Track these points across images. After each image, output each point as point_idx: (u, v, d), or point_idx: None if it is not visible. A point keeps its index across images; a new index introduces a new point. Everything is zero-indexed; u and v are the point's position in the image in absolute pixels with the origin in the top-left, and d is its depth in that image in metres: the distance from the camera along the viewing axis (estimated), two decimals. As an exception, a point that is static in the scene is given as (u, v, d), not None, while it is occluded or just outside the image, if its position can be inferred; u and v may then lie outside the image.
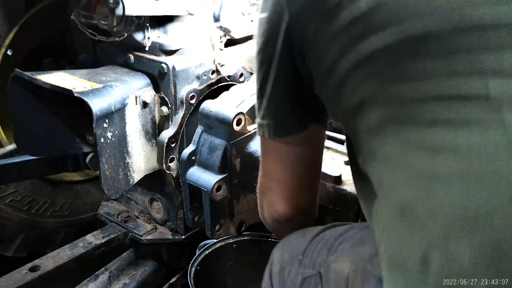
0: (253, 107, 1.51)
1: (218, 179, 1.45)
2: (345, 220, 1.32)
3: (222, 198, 1.49)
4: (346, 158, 1.44)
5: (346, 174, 1.37)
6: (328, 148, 1.52)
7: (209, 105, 1.50)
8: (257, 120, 0.99)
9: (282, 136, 0.97)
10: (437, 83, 0.69)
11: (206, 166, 1.49)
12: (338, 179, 1.35)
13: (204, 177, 1.47)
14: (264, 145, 1.03)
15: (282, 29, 0.85)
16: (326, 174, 1.36)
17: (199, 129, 1.52)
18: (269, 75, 0.90)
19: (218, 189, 1.46)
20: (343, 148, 1.50)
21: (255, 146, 1.53)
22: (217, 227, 1.54)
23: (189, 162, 1.51)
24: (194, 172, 1.50)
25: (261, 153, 1.06)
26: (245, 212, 1.60)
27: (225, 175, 1.47)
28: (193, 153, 1.51)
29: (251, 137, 1.52)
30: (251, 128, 1.52)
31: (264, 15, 0.88)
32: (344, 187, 1.35)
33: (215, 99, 1.53)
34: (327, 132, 1.78)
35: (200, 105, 1.54)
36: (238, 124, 1.46)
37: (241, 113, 1.46)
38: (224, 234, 1.59)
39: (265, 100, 0.93)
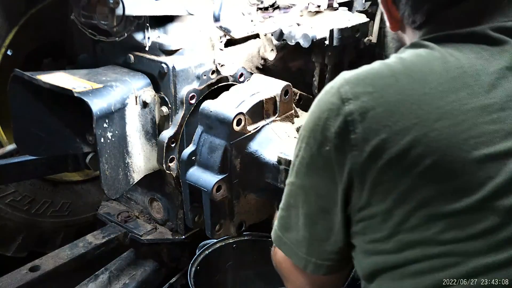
0: (253, 107, 1.51)
1: (218, 179, 1.45)
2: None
3: (222, 198, 1.49)
4: None
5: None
6: None
7: (209, 105, 1.50)
8: (293, 248, 0.99)
9: (327, 274, 0.98)
10: None
11: (206, 166, 1.48)
12: None
13: (204, 177, 1.47)
14: (297, 272, 1.02)
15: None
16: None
17: (199, 129, 1.52)
18: (331, 218, 0.91)
19: (218, 189, 1.46)
20: None
21: (255, 146, 1.53)
22: (217, 227, 1.54)
23: (189, 162, 1.51)
24: (194, 172, 1.50)
25: (290, 268, 1.04)
26: (245, 212, 1.60)
27: (225, 175, 1.47)
28: (193, 153, 1.51)
29: (251, 137, 1.52)
30: (251, 128, 1.52)
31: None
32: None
33: (215, 99, 1.53)
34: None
35: (200, 105, 1.54)
36: (238, 124, 1.46)
37: (241, 113, 1.46)
38: (224, 234, 1.59)
39: (317, 240, 0.94)
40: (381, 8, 0.99)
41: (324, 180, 0.88)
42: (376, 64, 0.87)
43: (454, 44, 0.85)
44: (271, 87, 1.59)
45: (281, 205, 1.01)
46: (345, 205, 0.88)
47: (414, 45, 0.90)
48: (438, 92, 0.80)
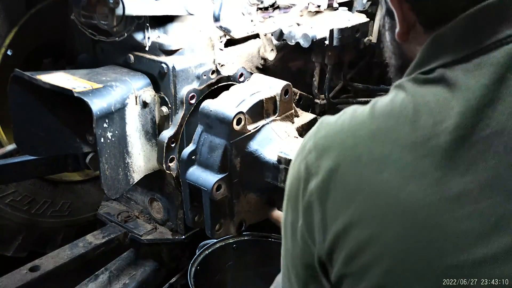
0: (253, 106, 1.51)
1: (218, 179, 1.45)
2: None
3: (222, 198, 1.49)
4: None
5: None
6: None
7: (209, 105, 1.50)
8: None
9: None
10: None
11: (206, 166, 1.48)
12: None
13: (204, 177, 1.47)
14: None
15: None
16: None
17: (199, 128, 1.52)
18: None
19: (218, 188, 1.46)
20: None
21: (255, 145, 1.53)
22: (217, 226, 1.54)
23: (189, 161, 1.51)
24: (194, 171, 1.50)
25: None
26: (245, 211, 1.60)
27: (225, 175, 1.47)
28: (193, 152, 1.51)
29: (251, 136, 1.52)
30: (251, 127, 1.52)
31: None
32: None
33: (215, 99, 1.53)
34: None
35: (200, 105, 1.54)
36: (238, 124, 1.46)
37: (241, 112, 1.46)
38: (224, 233, 1.59)
39: None
40: (391, 7, 0.81)
41: (304, 253, 0.79)
42: (347, 120, 0.76)
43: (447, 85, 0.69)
44: (271, 86, 1.59)
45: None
46: (328, 278, 0.77)
47: (397, 86, 0.75)
48: (399, 177, 0.66)
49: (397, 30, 0.82)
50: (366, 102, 0.79)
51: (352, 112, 0.77)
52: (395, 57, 0.89)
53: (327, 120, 0.80)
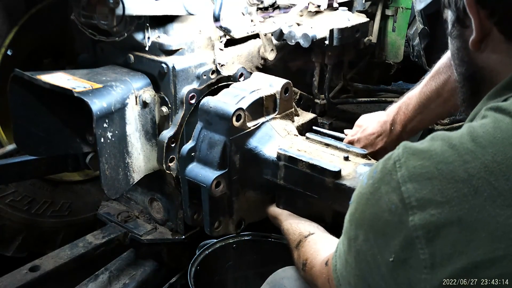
0: (252, 103, 1.51)
1: (217, 175, 1.45)
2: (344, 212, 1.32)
3: (221, 195, 1.49)
4: (346, 154, 1.44)
5: (345, 170, 1.37)
6: (327, 145, 1.52)
7: (209, 101, 1.50)
8: None
9: None
10: None
11: (205, 162, 1.48)
12: (337, 174, 1.35)
13: (203, 173, 1.46)
14: None
15: None
16: (325, 169, 1.36)
17: (198, 125, 1.52)
18: None
19: (217, 185, 1.46)
20: (342, 145, 1.52)
21: (254, 142, 1.53)
22: (216, 224, 1.54)
23: (188, 158, 1.51)
24: (193, 168, 1.49)
25: None
26: (244, 210, 1.60)
27: (224, 171, 1.47)
28: (192, 149, 1.51)
29: (250, 133, 1.52)
30: (251, 124, 1.52)
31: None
32: (344, 182, 1.34)
33: (215, 96, 1.54)
34: (327, 131, 1.78)
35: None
36: (237, 120, 1.46)
37: (240, 108, 1.46)
38: (223, 231, 1.59)
39: None
40: (469, 14, 0.78)
41: None
42: (446, 149, 0.70)
43: None
44: (272, 84, 1.60)
45: (339, 264, 0.86)
46: None
47: (497, 110, 0.71)
48: None
49: (472, 37, 0.80)
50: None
51: (447, 139, 0.72)
52: (465, 65, 0.88)
53: (414, 147, 0.74)
